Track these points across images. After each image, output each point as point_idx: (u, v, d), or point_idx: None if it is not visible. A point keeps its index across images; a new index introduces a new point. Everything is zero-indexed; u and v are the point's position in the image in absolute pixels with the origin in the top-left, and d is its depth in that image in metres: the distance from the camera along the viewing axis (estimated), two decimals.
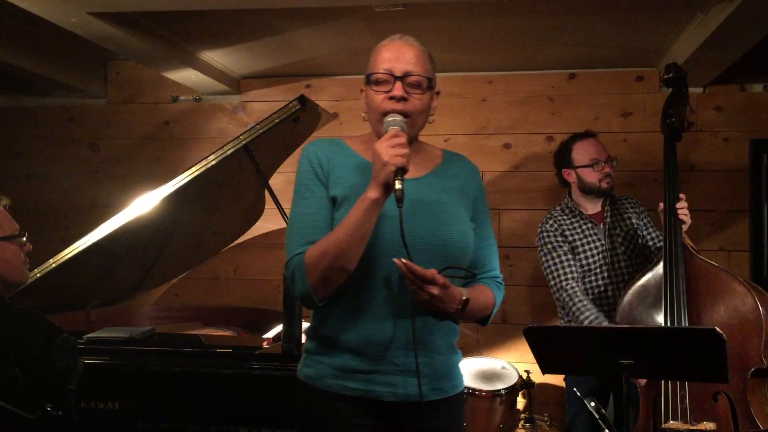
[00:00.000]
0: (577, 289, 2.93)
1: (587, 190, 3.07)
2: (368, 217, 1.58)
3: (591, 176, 3.03)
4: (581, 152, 3.07)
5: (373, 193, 1.57)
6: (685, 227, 2.65)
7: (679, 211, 2.62)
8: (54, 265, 2.66)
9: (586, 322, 2.78)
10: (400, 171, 1.56)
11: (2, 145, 4.46)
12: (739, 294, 2.47)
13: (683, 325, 2.45)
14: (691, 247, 2.62)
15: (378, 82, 1.70)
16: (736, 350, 2.35)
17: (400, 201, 1.55)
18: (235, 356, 2.47)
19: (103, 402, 2.46)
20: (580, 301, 2.88)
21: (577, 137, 3.14)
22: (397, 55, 1.70)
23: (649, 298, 2.62)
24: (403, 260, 1.57)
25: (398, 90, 1.67)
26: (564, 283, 2.95)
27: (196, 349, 2.57)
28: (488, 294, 1.80)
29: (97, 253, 2.74)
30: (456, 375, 1.81)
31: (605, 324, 2.72)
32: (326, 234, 1.64)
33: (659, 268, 2.61)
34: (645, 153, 3.84)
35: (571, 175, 3.11)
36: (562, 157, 3.15)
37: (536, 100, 3.99)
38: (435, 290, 1.59)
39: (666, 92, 2.93)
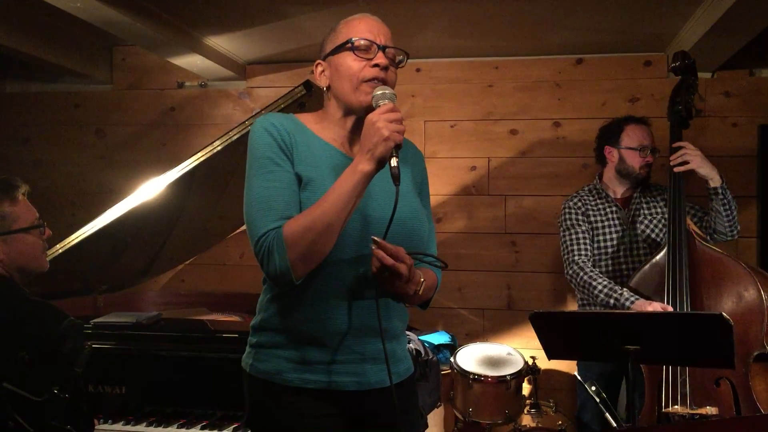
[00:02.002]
0: (587, 262, 2.90)
1: (624, 174, 3.02)
2: (358, 191, 1.51)
3: (635, 160, 2.98)
4: (632, 134, 3.00)
5: (366, 166, 1.50)
6: (691, 166, 2.72)
7: (679, 158, 2.71)
8: (61, 250, 2.68)
9: (599, 287, 2.74)
10: (396, 148, 1.50)
11: (9, 131, 4.48)
12: (743, 280, 2.47)
13: (685, 310, 2.45)
14: (696, 233, 2.62)
15: (360, 49, 1.64)
16: (739, 335, 2.34)
17: (397, 179, 1.49)
18: (241, 341, 2.47)
19: (109, 386, 2.48)
20: (591, 270, 2.85)
21: (632, 119, 3.07)
22: (377, 29, 1.67)
23: (652, 284, 2.62)
24: (376, 238, 1.50)
25: (383, 59, 1.63)
26: (576, 257, 2.92)
27: (202, 335, 2.59)
28: (433, 276, 1.78)
29: (103, 239, 2.75)
30: (407, 357, 1.81)
31: (618, 290, 2.67)
32: (297, 213, 1.57)
33: (663, 254, 2.61)
34: None
35: (612, 153, 3.05)
36: (611, 134, 3.08)
37: (543, 86, 3.97)
38: (404, 268, 1.52)
39: (674, 78, 2.91)
